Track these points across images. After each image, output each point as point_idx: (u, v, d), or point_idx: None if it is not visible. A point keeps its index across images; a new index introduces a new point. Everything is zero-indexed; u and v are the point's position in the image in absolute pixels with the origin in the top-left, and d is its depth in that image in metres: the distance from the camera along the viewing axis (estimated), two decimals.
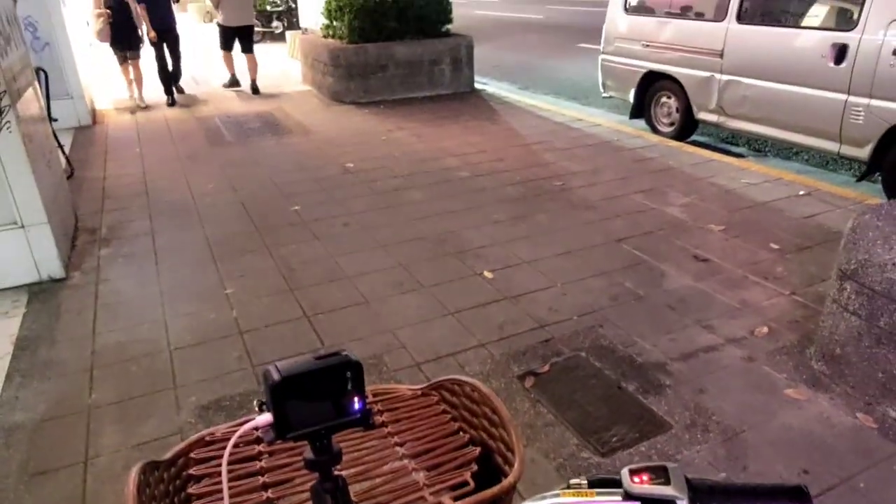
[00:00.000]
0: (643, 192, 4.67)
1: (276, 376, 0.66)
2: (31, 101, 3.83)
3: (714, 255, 3.65)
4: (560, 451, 2.20)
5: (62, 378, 2.70)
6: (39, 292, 3.42)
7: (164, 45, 7.88)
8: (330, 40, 8.23)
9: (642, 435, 2.25)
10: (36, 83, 4.20)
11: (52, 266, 3.52)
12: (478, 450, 1.11)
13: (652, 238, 3.89)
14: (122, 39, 7.38)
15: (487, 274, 3.50)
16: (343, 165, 5.40)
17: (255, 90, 8.62)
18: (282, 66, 11.26)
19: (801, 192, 4.57)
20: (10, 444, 2.33)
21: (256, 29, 10.91)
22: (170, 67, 8.15)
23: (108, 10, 7.08)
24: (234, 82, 9.04)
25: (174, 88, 8.29)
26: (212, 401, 2.53)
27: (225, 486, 0.67)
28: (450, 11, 8.51)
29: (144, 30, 7.62)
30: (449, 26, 8.58)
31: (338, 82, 7.82)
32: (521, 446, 1.03)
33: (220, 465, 1.03)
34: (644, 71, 6.26)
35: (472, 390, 1.15)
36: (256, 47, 8.90)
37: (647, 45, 6.18)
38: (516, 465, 1.01)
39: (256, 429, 0.67)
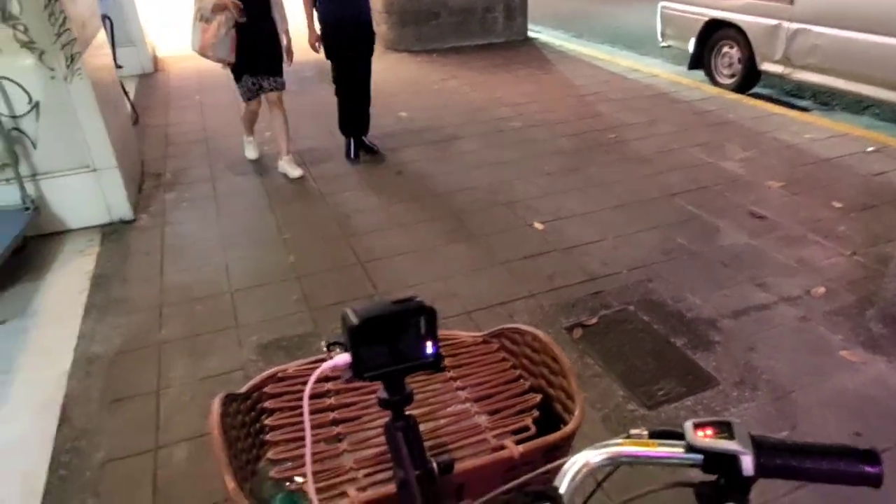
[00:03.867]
0: (700, 145, 4.54)
1: (354, 319, 0.68)
2: (99, 49, 3.95)
3: (772, 212, 3.56)
4: (606, 402, 2.25)
5: (134, 314, 2.88)
6: (111, 233, 3.60)
7: (344, 64, 4.30)
8: None
9: (689, 390, 2.27)
10: (102, 30, 4.32)
11: (121, 208, 3.70)
12: (539, 396, 1.14)
13: (707, 193, 3.81)
14: (258, 56, 3.97)
15: (538, 225, 3.51)
16: (396, 114, 5.41)
17: None
18: None
19: (870, 149, 4.36)
20: (90, 373, 2.52)
21: None
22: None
23: (236, 1, 3.72)
24: None
25: (363, 141, 4.63)
26: (271, 340, 2.66)
27: (307, 418, 0.72)
28: None
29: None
30: None
31: (391, 30, 7.75)
32: (580, 395, 1.07)
33: (291, 400, 1.11)
34: (706, 19, 5.99)
35: (532, 339, 1.18)
36: None
37: None
38: (577, 413, 1.04)
39: (334, 368, 0.71)
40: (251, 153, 4.59)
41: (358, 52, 4.26)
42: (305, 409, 0.72)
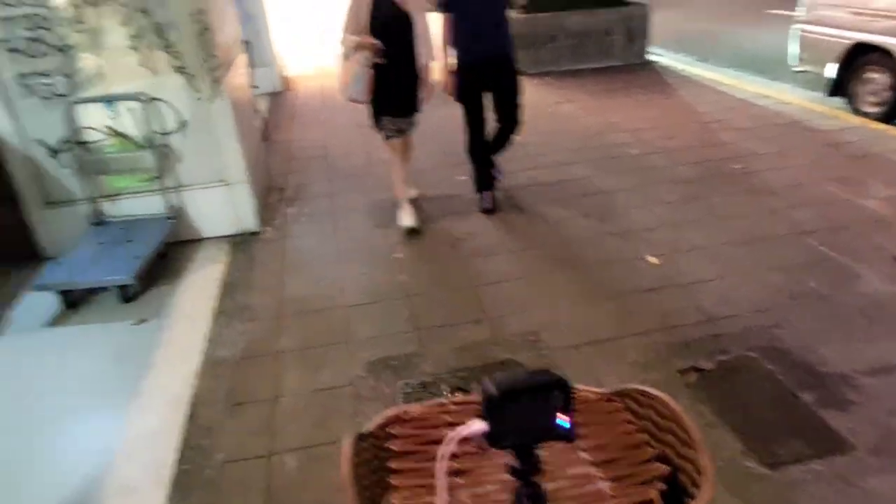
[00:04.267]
0: (837, 180, 4.20)
1: (493, 390, 0.71)
2: (238, 71, 4.28)
3: None
4: (720, 454, 2.11)
5: (256, 322, 3.06)
6: (239, 243, 3.86)
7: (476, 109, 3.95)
8: None
9: (818, 452, 2.09)
10: (243, 54, 4.67)
11: (249, 220, 3.96)
12: (666, 468, 1.08)
13: (844, 233, 3.52)
14: (398, 97, 3.74)
15: (653, 259, 3.38)
16: None
17: None
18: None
19: None
20: (216, 375, 2.70)
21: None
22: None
23: (374, 41, 3.50)
24: None
25: (493, 174, 4.21)
26: (380, 358, 2.73)
27: (442, 487, 0.74)
28: None
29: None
30: None
31: None
32: (712, 469, 1.00)
33: (417, 444, 1.11)
34: (851, 43, 5.56)
35: (661, 405, 1.11)
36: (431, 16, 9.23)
37: (858, 13, 5.46)
38: (705, 489, 0.98)
39: (469, 435, 0.73)
40: (407, 219, 3.87)
41: (498, 93, 3.89)
42: (440, 480, 0.74)
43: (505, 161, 4.88)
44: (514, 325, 2.89)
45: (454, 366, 2.64)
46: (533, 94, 6.86)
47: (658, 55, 8.46)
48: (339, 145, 5.58)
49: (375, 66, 3.55)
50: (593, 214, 3.93)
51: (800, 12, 6.08)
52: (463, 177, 4.62)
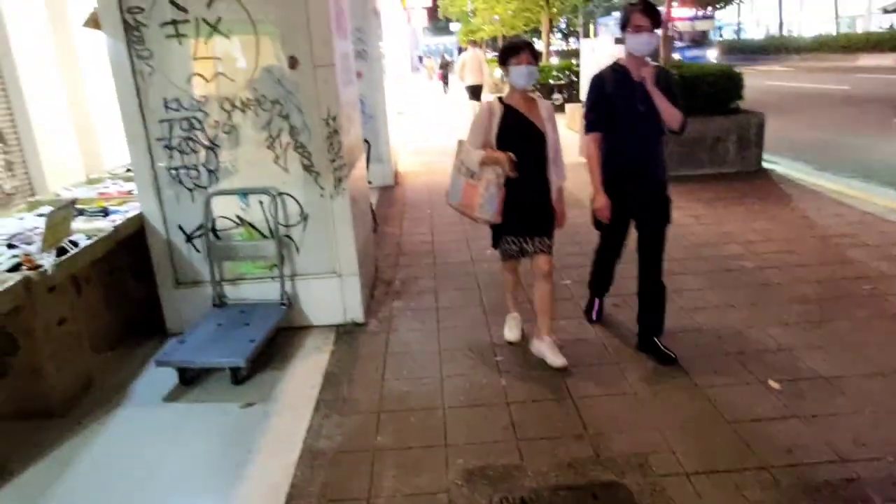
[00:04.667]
0: None
1: None
2: (359, 168, 4.56)
3: None
4: None
5: (355, 416, 3.09)
6: (344, 333, 3.98)
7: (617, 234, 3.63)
8: None
9: None
10: (364, 153, 5.00)
11: (355, 312, 4.08)
12: None
13: None
14: (525, 215, 3.40)
15: (773, 384, 3.14)
16: None
17: None
18: (561, 136, 11.71)
19: None
20: (314, 466, 2.71)
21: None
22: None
23: (507, 155, 3.24)
24: None
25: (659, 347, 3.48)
26: (477, 467, 2.65)
27: None
28: (741, 87, 8.08)
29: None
30: (739, 102, 8.14)
31: None
32: None
33: None
34: None
35: None
36: None
37: None
38: None
39: None
40: (510, 333, 3.78)
41: (646, 224, 3.45)
42: None
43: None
44: (620, 444, 2.74)
45: (555, 483, 2.51)
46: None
47: (773, 163, 8.23)
48: (444, 241, 5.74)
49: (506, 183, 3.30)
50: (706, 330, 3.74)
51: None
52: (567, 281, 4.58)
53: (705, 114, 7.73)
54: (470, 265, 5.07)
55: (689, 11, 28.91)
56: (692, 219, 5.97)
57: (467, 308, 4.27)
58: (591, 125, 3.44)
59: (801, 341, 3.56)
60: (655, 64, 3.29)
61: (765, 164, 8.05)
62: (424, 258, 5.31)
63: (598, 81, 3.39)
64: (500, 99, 3.38)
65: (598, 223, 3.56)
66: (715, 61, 28.43)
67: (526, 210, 3.39)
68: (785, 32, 41.00)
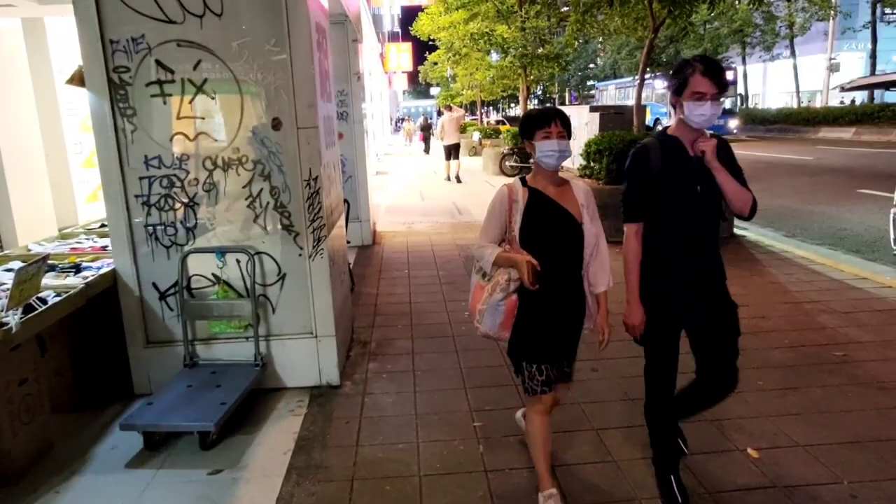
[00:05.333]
0: None
1: None
2: (339, 228, 4.57)
3: None
4: None
5: (328, 483, 2.98)
6: (318, 396, 3.88)
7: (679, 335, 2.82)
8: (586, 180, 8.56)
9: None
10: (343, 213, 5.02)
11: (331, 374, 4.00)
12: None
13: None
14: (553, 337, 2.71)
15: (752, 452, 3.12)
16: None
17: (458, 180, 15.57)
18: None
19: None
20: None
21: (513, 164, 15.85)
22: None
23: (527, 259, 2.50)
24: (448, 179, 15.84)
25: (681, 446, 3.06)
26: None
27: None
28: None
29: None
30: None
31: None
32: None
33: None
34: None
35: None
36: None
37: None
38: None
39: None
40: None
41: (708, 335, 2.71)
42: None
43: (586, 332, 4.82)
44: None
45: None
46: (619, 263, 6.88)
47: (744, 230, 8.44)
48: (422, 302, 5.71)
49: (521, 292, 2.57)
50: None
51: None
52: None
53: None
54: (447, 327, 5.03)
55: None
56: None
57: (444, 371, 4.22)
58: (632, 212, 2.67)
59: (778, 408, 3.56)
60: (713, 133, 2.61)
61: (736, 231, 8.25)
62: (401, 319, 5.27)
63: (642, 156, 2.62)
64: (523, 181, 2.65)
65: (646, 335, 2.78)
66: (736, 131, 29.02)
67: (557, 329, 2.64)
68: (750, 105, 42.89)
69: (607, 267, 2.75)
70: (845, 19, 33.72)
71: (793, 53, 35.82)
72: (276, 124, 3.73)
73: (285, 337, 3.94)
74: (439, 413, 3.64)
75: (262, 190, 3.78)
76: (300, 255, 3.85)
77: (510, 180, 2.72)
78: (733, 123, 28.72)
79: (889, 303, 5.31)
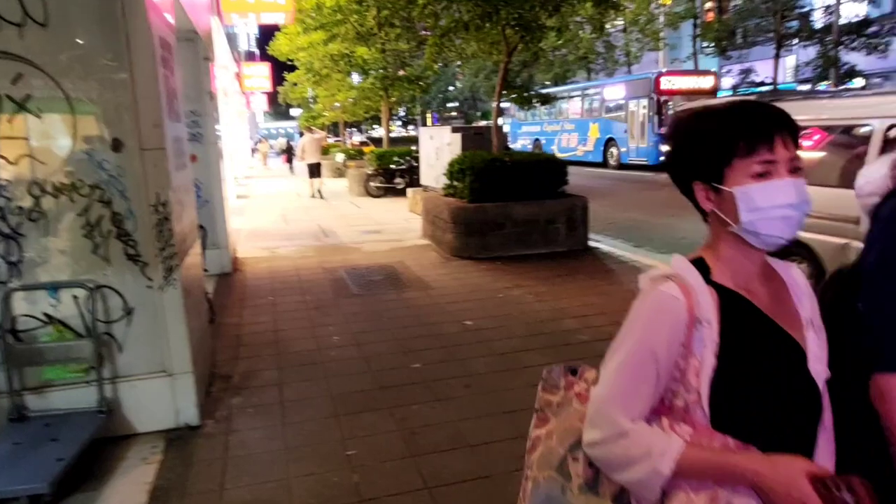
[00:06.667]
0: None
1: None
2: (193, 256, 4.26)
3: None
4: None
5: None
6: (175, 439, 3.56)
7: None
8: (451, 199, 8.73)
9: None
10: (198, 240, 4.69)
11: (189, 414, 3.69)
12: None
13: None
14: None
15: None
16: (462, 323, 5.46)
17: (321, 195, 16.66)
18: (403, 219, 12.00)
19: None
20: None
21: (378, 185, 16.10)
22: None
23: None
24: (312, 196, 16.73)
25: None
26: None
27: None
28: (565, 174, 8.87)
29: None
30: (565, 187, 8.90)
31: (457, 238, 8.17)
32: None
33: None
34: None
35: None
36: (380, 201, 14.56)
37: None
38: None
39: None
40: None
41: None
42: None
43: (460, 346, 4.87)
44: None
45: None
46: (483, 279, 7.07)
47: (598, 241, 9.01)
48: (288, 329, 5.47)
49: None
50: None
51: None
52: (417, 364, 4.55)
53: (538, 198, 8.36)
54: (316, 353, 4.85)
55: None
56: (532, 296, 6.28)
57: (314, 400, 4.04)
58: None
59: None
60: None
61: (591, 243, 8.78)
62: (267, 349, 5.00)
63: None
64: (701, 269, 1.25)
65: None
66: None
67: None
68: None
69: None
70: (671, 50, 37.57)
71: None
72: (117, 145, 3.41)
73: (135, 378, 3.58)
74: (310, 444, 3.47)
75: (101, 217, 3.42)
76: (149, 286, 3.53)
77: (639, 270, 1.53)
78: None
79: None
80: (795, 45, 28.88)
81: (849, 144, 5.59)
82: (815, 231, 5.60)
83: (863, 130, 5.32)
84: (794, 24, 28.66)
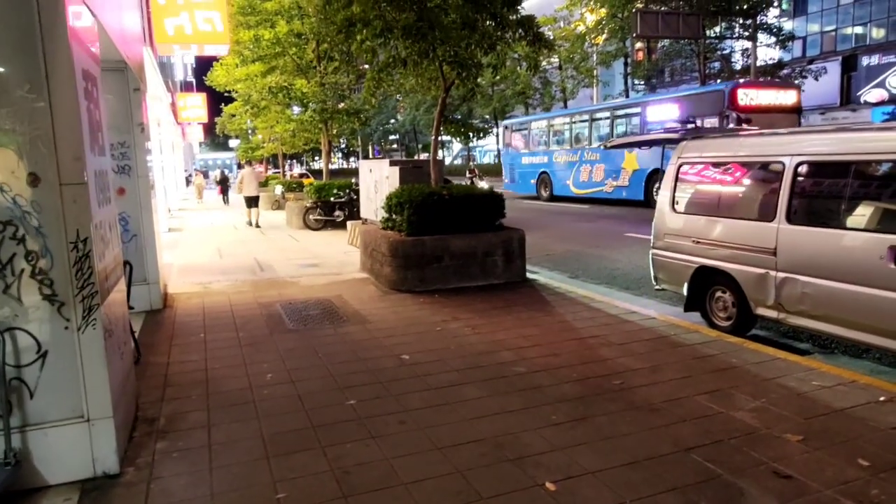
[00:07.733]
0: (708, 393, 4.47)
1: None
2: (117, 294, 4.08)
3: (796, 470, 3.37)
4: None
5: None
6: (92, 490, 3.36)
7: None
8: (389, 232, 8.73)
9: None
10: (122, 277, 4.51)
11: (108, 461, 3.49)
12: None
13: (724, 448, 3.65)
14: None
15: (549, 486, 3.29)
16: (399, 357, 5.42)
17: (257, 225, 17.23)
18: (342, 252, 11.90)
19: (882, 398, 4.30)
20: None
21: (317, 218, 15.90)
22: None
23: None
24: (249, 224, 17.45)
25: None
26: None
27: None
28: (503, 208, 9.02)
29: None
30: (502, 220, 9.05)
31: (395, 272, 8.15)
32: None
33: None
34: (696, 266, 6.34)
35: None
36: (319, 233, 14.66)
37: (698, 242, 6.31)
38: None
39: None
40: None
41: None
42: None
43: (397, 381, 4.82)
44: None
45: None
46: (421, 312, 7.06)
47: (535, 273, 9.16)
48: (219, 368, 5.29)
49: None
50: (487, 439, 3.84)
51: (653, 240, 6.96)
52: (352, 400, 4.47)
53: (476, 231, 8.45)
54: (248, 392, 4.70)
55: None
56: (469, 329, 6.30)
57: (244, 442, 3.90)
58: None
59: (570, 439, 3.82)
60: None
61: (528, 275, 8.92)
62: (195, 389, 4.82)
63: None
64: None
65: None
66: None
67: None
68: None
69: None
70: (605, 87, 39.20)
71: None
72: (34, 180, 3.27)
73: (48, 425, 3.38)
74: (238, 489, 3.34)
75: (13, 255, 3.25)
76: (66, 327, 3.36)
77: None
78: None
79: (653, 332, 6.05)
80: (718, 83, 30.69)
81: (765, 179, 5.94)
82: (736, 262, 5.89)
83: (775, 167, 5.66)
84: (716, 65, 30.52)
